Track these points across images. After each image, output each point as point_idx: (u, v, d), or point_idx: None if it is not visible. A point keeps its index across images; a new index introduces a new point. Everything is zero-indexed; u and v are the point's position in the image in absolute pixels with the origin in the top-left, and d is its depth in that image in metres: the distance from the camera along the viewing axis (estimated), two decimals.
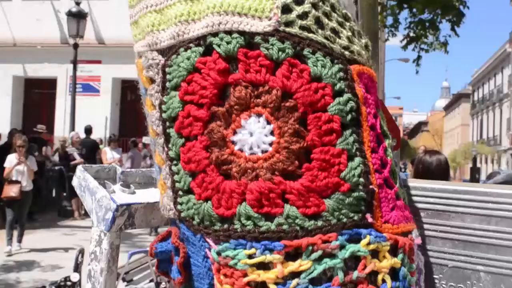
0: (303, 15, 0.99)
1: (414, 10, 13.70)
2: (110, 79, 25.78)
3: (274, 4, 0.99)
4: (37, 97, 27.14)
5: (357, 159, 1.01)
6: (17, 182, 10.37)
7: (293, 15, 0.99)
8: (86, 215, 14.78)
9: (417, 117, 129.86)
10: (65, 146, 15.75)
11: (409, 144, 58.09)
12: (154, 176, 1.24)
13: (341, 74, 0.99)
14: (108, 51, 25.17)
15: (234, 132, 1.00)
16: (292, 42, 0.97)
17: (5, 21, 25.54)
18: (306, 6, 1.00)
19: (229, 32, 0.99)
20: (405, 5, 13.79)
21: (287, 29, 0.98)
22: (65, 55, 23.65)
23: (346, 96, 0.99)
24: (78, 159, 14.75)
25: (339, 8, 1.04)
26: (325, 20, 1.01)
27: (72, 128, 17.55)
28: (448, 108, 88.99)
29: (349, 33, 1.04)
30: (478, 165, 54.12)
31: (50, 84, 26.24)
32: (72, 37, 16.85)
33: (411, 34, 14.10)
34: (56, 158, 16.37)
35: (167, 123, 1.07)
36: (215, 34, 1.00)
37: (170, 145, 1.08)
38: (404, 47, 14.44)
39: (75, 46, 16.74)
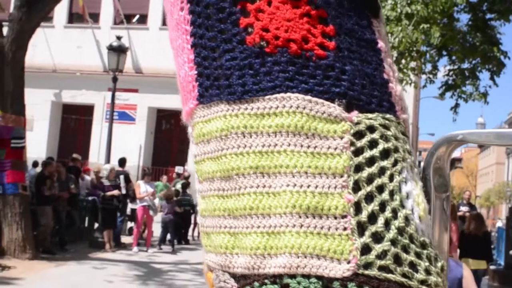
0: (382, 254, 0.96)
1: (454, 58, 13.61)
2: (146, 108, 26.16)
3: (353, 245, 0.96)
4: (73, 123, 27.63)
5: None
6: None
7: (372, 256, 0.95)
8: (117, 247, 14.88)
9: None
10: (99, 176, 15.89)
11: None
12: None
13: None
14: (145, 80, 25.59)
15: None
16: (370, 287, 0.95)
17: (46, 47, 26.16)
18: (386, 244, 0.97)
19: (307, 276, 0.97)
20: (445, 52, 13.71)
21: (366, 272, 0.95)
22: (103, 82, 24.13)
23: None
24: (123, 184, 14.95)
25: (417, 237, 1.01)
26: (404, 255, 0.98)
27: (108, 156, 17.76)
28: (483, 145, 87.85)
29: (426, 263, 1.00)
30: None
31: (87, 111, 26.72)
32: (112, 70, 17.13)
33: (450, 82, 13.99)
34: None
35: None
36: (292, 276, 0.97)
37: None
38: (442, 94, 14.32)
39: (114, 79, 17.02)
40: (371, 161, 1.01)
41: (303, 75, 1.01)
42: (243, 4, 1.02)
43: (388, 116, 1.05)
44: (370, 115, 1.03)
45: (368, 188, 1.00)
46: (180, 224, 17.01)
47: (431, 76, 14.43)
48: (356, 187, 1.00)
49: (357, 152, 1.00)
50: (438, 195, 1.23)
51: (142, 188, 15.11)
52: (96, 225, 15.79)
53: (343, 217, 0.99)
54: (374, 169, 1.01)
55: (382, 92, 1.07)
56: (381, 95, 1.06)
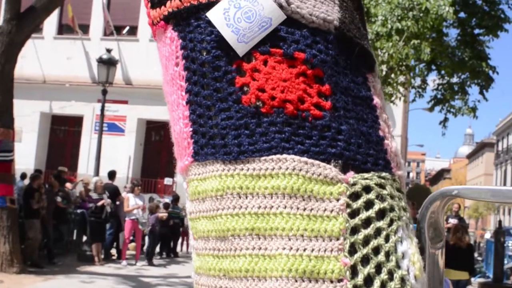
0: None
1: (443, 72, 13.70)
2: (136, 119, 26.09)
3: None
4: (62, 134, 27.51)
5: None
6: None
7: None
8: (105, 260, 14.77)
9: (439, 163, 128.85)
10: (88, 189, 15.82)
11: (431, 190, 57.56)
12: None
13: None
14: (134, 92, 25.53)
15: None
16: None
17: (36, 59, 26.05)
18: None
19: None
20: (434, 67, 13.80)
21: None
22: (92, 94, 24.04)
23: None
24: (106, 202, 14.79)
25: None
26: None
27: (97, 167, 17.67)
28: (472, 156, 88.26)
29: None
30: (501, 217, 53.32)
31: (76, 122, 26.62)
32: (101, 83, 17.09)
33: (439, 96, 14.06)
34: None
35: None
36: None
37: None
38: (431, 109, 14.37)
39: (104, 92, 16.98)
40: (367, 222, 1.01)
41: (299, 136, 1.00)
42: (239, 63, 1.01)
43: (383, 174, 1.05)
44: (366, 175, 1.02)
45: (364, 251, 1.00)
46: (168, 236, 16.98)
47: (420, 90, 14.51)
48: (352, 250, 0.99)
49: (353, 214, 1.00)
50: (433, 246, 1.23)
51: (131, 201, 15.00)
52: (84, 238, 15.69)
53: (339, 281, 0.98)
54: (370, 230, 1.01)
55: (377, 150, 1.06)
56: (377, 153, 1.06)
